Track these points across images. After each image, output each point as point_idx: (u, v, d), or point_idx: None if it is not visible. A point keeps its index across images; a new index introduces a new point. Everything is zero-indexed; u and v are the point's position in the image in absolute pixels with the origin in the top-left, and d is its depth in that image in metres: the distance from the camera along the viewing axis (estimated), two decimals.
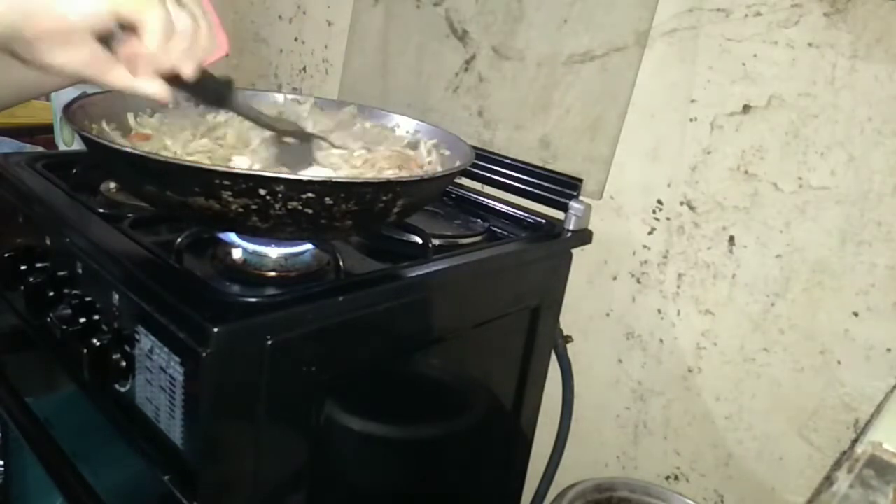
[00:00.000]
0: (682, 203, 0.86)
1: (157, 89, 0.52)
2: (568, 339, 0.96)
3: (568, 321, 0.97)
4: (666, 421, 0.92)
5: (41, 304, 0.68)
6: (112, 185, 0.80)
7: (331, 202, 0.56)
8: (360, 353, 0.65)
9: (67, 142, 1.29)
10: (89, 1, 0.45)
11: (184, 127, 0.72)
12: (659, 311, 0.91)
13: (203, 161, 0.64)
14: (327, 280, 0.67)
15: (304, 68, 1.36)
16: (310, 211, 0.56)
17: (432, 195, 0.78)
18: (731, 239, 0.83)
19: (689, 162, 0.85)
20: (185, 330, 0.53)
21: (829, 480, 0.51)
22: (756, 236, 0.81)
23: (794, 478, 0.82)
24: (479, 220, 0.90)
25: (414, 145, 0.79)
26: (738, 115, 0.80)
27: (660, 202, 0.88)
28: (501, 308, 0.81)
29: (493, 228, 0.88)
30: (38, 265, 0.72)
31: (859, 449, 0.47)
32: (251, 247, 0.66)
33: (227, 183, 0.53)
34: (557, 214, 0.91)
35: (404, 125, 0.84)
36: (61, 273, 0.69)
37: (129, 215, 0.70)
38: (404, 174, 0.69)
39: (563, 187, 0.92)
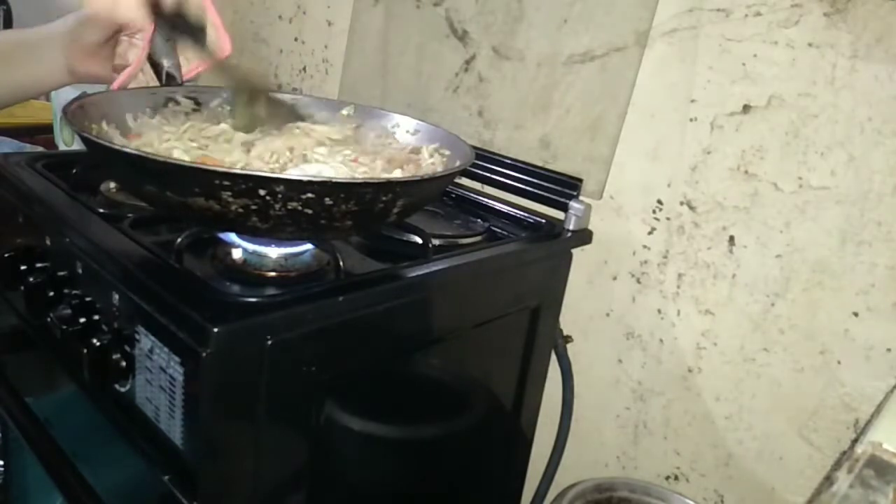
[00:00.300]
0: (682, 203, 0.86)
1: (138, 14, 0.52)
2: (568, 339, 0.96)
3: (568, 321, 0.97)
4: (666, 421, 0.92)
5: (41, 304, 0.68)
6: (112, 185, 0.80)
7: (331, 202, 0.56)
8: (360, 353, 0.65)
9: (67, 142, 1.29)
10: None
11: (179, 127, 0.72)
12: (659, 311, 0.91)
13: (175, 153, 0.64)
14: (327, 280, 0.66)
15: (304, 68, 1.36)
16: (310, 211, 0.56)
17: (432, 195, 0.77)
18: (731, 239, 0.83)
19: (689, 162, 0.85)
20: (185, 330, 0.53)
21: (829, 480, 0.51)
22: (756, 236, 0.81)
23: (794, 478, 0.82)
24: (479, 220, 0.90)
25: (416, 152, 0.79)
26: (738, 115, 0.80)
27: (660, 202, 0.88)
28: (501, 308, 0.81)
29: (493, 228, 0.88)
30: (38, 265, 0.72)
31: (859, 449, 0.47)
32: (251, 247, 0.66)
33: (226, 183, 0.53)
34: (557, 214, 0.91)
35: (404, 125, 0.84)
36: (61, 273, 0.69)
37: (129, 215, 0.70)
38: (404, 174, 0.69)
39: (563, 187, 0.92)
